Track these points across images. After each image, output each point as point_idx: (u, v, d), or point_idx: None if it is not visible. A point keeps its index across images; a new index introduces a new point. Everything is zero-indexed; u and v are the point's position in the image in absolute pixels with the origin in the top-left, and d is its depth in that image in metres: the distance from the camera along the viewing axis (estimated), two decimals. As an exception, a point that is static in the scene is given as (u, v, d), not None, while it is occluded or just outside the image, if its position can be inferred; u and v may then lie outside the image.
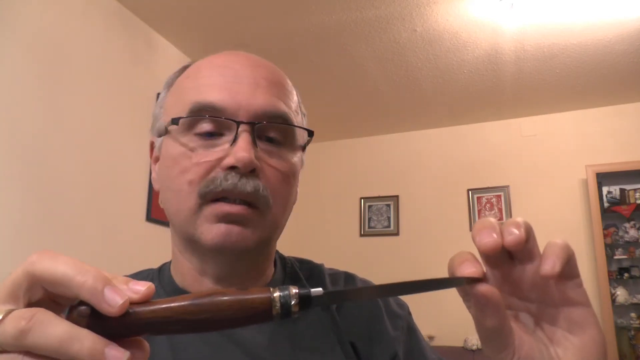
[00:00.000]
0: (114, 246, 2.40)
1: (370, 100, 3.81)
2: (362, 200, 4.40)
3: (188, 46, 3.03)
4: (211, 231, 0.53)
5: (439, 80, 3.46)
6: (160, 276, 0.64)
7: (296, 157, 0.59)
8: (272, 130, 0.56)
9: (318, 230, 4.41)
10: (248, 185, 0.52)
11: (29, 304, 0.31)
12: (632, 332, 3.42)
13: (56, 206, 2.15)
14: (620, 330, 3.43)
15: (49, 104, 2.16)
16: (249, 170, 0.52)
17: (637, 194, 3.59)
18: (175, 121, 0.55)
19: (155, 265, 0.68)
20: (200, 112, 0.54)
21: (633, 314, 3.47)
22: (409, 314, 0.69)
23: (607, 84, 3.49)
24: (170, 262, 0.65)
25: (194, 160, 0.54)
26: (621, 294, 3.46)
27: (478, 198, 4.03)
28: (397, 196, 4.30)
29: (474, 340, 3.51)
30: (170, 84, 0.63)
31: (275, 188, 0.55)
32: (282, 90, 0.58)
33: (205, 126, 0.54)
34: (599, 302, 3.39)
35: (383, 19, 2.76)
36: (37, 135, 2.09)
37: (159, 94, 0.65)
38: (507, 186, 3.97)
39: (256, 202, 0.53)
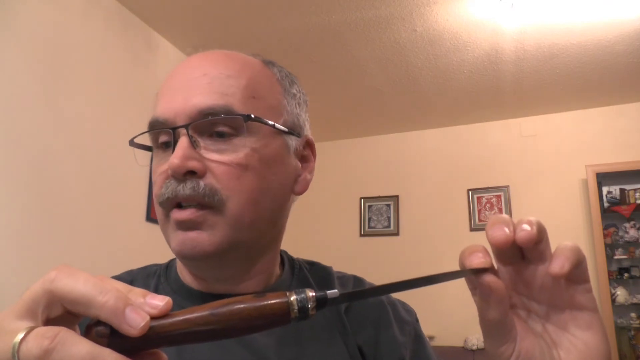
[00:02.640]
0: (113, 246, 2.40)
1: (370, 100, 3.81)
2: (362, 200, 4.40)
3: (188, 46, 3.02)
4: (174, 240, 0.54)
5: (439, 80, 3.46)
6: (167, 273, 0.64)
7: (262, 143, 0.55)
8: (217, 124, 0.53)
9: (318, 230, 4.41)
10: (185, 188, 0.52)
11: (47, 320, 0.31)
12: (632, 332, 3.42)
13: (56, 206, 2.15)
14: (620, 330, 3.43)
15: (49, 104, 2.16)
16: (184, 173, 0.52)
17: (637, 194, 3.59)
18: (130, 142, 0.59)
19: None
20: (153, 128, 0.56)
21: (633, 314, 3.47)
22: (417, 320, 0.68)
23: (607, 84, 3.49)
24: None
25: (155, 175, 0.56)
26: (621, 294, 3.46)
27: (478, 198, 4.03)
28: (397, 196, 4.30)
29: (474, 340, 3.51)
30: None
31: (228, 183, 0.53)
32: (228, 82, 0.55)
33: (162, 138, 0.56)
34: (599, 302, 3.39)
35: (383, 19, 2.76)
36: (37, 135, 2.09)
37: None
38: (507, 186, 3.97)
39: (202, 202, 0.52)
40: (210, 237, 0.53)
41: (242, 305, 0.32)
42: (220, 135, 0.54)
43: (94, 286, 0.30)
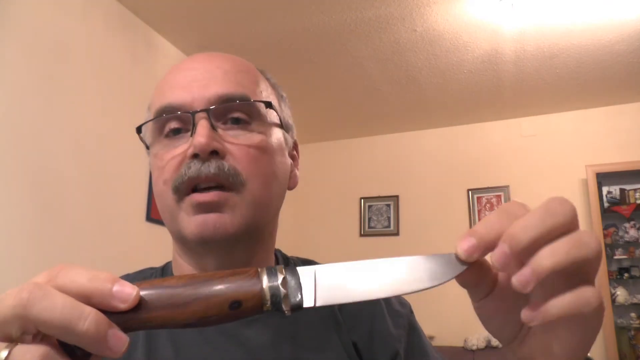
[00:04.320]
0: (114, 246, 2.40)
1: (370, 100, 3.81)
2: (362, 200, 4.40)
3: (188, 46, 3.03)
4: (190, 224, 0.54)
5: (439, 80, 3.46)
6: (162, 275, 0.64)
7: (270, 133, 0.59)
8: (234, 111, 0.56)
9: (318, 230, 4.41)
10: (210, 167, 0.53)
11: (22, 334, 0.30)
12: (632, 332, 3.42)
13: (56, 206, 2.15)
14: (620, 330, 3.43)
15: (49, 104, 2.16)
16: (209, 153, 0.53)
17: (637, 194, 3.59)
18: (138, 130, 0.59)
19: (155, 265, 0.68)
20: (167, 113, 0.56)
21: (633, 314, 3.47)
22: (411, 312, 0.69)
23: (607, 84, 3.49)
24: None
25: (164, 160, 0.56)
26: (621, 294, 3.46)
27: (478, 198, 4.03)
28: (397, 196, 4.30)
29: (474, 340, 3.51)
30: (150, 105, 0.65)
31: (247, 165, 0.55)
32: (238, 75, 0.59)
33: (171, 125, 0.57)
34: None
35: (383, 19, 2.76)
36: (37, 135, 2.09)
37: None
38: (507, 186, 3.97)
39: (226, 183, 0.54)
40: (231, 218, 0.54)
41: (216, 317, 0.32)
42: (235, 122, 0.56)
43: (72, 310, 0.28)
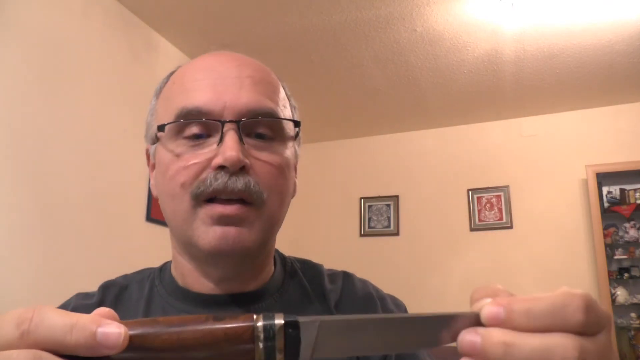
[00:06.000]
0: (114, 246, 2.40)
1: (370, 100, 3.81)
2: (362, 200, 4.40)
3: (188, 46, 3.03)
4: (207, 235, 0.53)
5: (439, 80, 3.46)
6: (161, 275, 0.64)
7: (288, 150, 0.59)
8: (260, 126, 0.56)
9: (318, 230, 4.41)
10: (238, 182, 0.53)
11: None
12: (632, 332, 3.42)
13: (56, 206, 2.15)
14: (620, 330, 3.42)
15: (49, 104, 2.16)
16: (238, 168, 0.53)
17: (637, 194, 3.59)
18: (161, 128, 0.56)
19: (156, 265, 0.68)
20: (187, 116, 0.55)
21: (633, 314, 3.47)
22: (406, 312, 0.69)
23: (607, 84, 3.49)
24: (171, 261, 0.65)
25: (184, 163, 0.55)
26: (621, 294, 3.46)
27: (478, 198, 4.03)
28: (397, 196, 4.30)
29: (474, 340, 3.51)
30: (158, 92, 0.64)
31: (268, 182, 0.55)
32: (267, 87, 0.59)
33: (193, 129, 0.55)
34: (599, 302, 3.39)
35: (383, 19, 2.76)
36: (37, 135, 2.09)
37: (155, 98, 0.67)
38: (507, 186, 3.97)
39: (249, 199, 0.54)
40: (249, 233, 0.54)
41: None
42: (260, 136, 0.56)
43: None
